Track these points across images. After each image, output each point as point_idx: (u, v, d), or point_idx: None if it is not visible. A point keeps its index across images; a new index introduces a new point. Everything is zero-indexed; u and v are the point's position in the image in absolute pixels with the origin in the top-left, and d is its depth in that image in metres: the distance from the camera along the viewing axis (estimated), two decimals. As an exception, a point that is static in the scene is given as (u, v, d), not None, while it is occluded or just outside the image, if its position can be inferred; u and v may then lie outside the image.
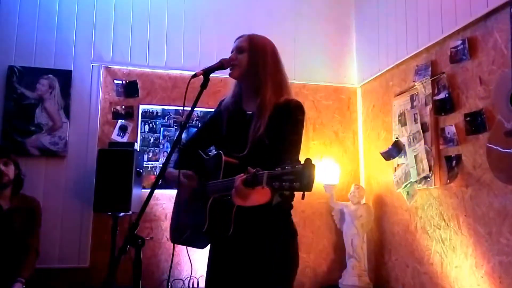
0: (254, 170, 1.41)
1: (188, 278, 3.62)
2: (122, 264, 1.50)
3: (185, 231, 1.83)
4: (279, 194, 1.30)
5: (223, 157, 1.70)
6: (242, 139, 1.77)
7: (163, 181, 1.77)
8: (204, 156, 1.92)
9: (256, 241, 1.75)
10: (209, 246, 1.91)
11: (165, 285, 3.55)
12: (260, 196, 1.50)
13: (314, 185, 1.28)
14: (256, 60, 1.83)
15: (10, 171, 2.97)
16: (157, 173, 3.76)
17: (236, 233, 1.66)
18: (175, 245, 1.89)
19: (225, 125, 1.90)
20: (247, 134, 1.76)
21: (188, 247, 1.88)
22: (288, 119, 1.76)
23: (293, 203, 1.81)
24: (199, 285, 3.58)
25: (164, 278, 3.61)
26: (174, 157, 1.94)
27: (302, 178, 1.25)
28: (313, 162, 1.27)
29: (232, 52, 1.88)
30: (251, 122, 1.77)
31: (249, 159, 1.67)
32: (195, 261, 2.26)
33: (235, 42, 1.90)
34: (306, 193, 1.28)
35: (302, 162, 1.28)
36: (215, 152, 1.80)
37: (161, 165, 3.82)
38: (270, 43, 1.91)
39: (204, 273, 1.91)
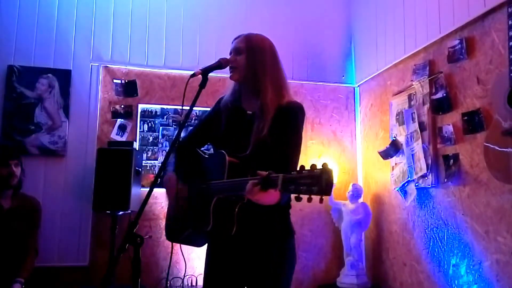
0: (267, 173, 1.40)
1: (187, 276, 3.63)
2: (121, 262, 1.50)
3: (185, 230, 1.81)
4: (295, 197, 1.29)
5: (227, 157, 1.68)
6: (243, 139, 1.76)
7: (161, 184, 1.77)
8: (203, 155, 1.91)
9: (255, 240, 1.76)
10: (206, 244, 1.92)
11: (164, 283, 3.56)
12: (269, 198, 1.49)
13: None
14: (254, 60, 1.82)
15: (18, 172, 3.01)
16: (156, 172, 3.78)
17: (237, 232, 1.67)
18: (174, 243, 1.90)
19: (224, 123, 1.88)
20: (248, 134, 1.75)
21: (186, 246, 1.89)
22: (291, 121, 1.76)
23: (291, 203, 1.82)
24: (198, 283, 3.59)
25: (163, 276, 3.62)
26: (172, 157, 1.95)
27: (321, 182, 1.23)
28: (330, 167, 1.26)
29: (230, 53, 1.87)
30: (253, 123, 1.76)
31: (251, 159, 1.67)
32: (193, 259, 2.27)
33: (232, 43, 1.89)
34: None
35: (319, 166, 1.26)
36: (217, 151, 1.78)
37: (160, 164, 3.82)
38: (268, 41, 1.89)
39: (202, 271, 1.92)
